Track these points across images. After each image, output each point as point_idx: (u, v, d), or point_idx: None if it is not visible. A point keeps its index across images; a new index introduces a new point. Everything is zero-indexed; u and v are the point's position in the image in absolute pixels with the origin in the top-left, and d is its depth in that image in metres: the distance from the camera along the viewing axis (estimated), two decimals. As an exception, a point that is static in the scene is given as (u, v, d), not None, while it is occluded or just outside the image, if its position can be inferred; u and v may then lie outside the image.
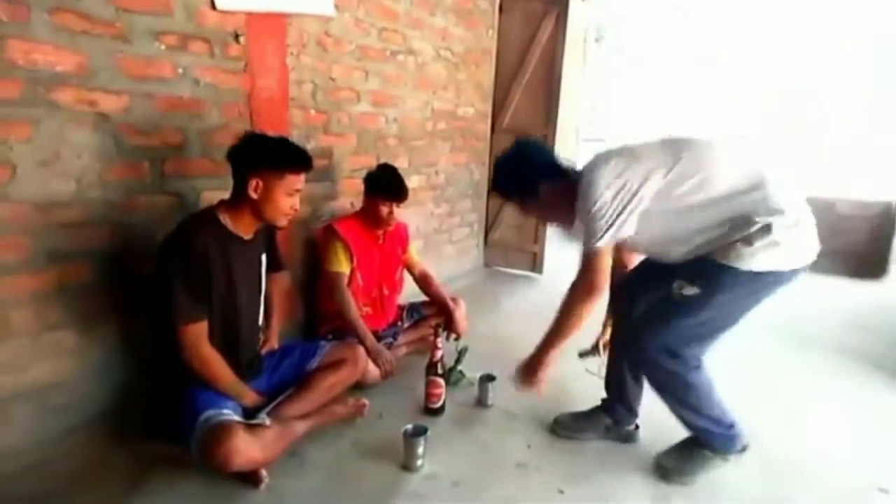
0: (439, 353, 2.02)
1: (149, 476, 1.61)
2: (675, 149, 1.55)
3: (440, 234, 3.63)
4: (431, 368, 2.02)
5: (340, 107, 2.60)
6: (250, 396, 1.72)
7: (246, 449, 1.46)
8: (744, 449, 1.74)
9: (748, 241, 1.42)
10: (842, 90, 6.30)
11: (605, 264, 1.56)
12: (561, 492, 1.64)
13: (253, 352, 1.83)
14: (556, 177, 1.69)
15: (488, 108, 3.92)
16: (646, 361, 1.63)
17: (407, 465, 1.71)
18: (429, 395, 2.04)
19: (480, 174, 3.98)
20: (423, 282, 2.63)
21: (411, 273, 2.63)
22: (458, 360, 2.33)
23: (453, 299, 2.61)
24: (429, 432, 1.72)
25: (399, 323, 2.56)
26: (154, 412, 1.72)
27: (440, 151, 3.45)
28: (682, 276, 1.53)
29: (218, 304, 1.61)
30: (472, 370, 2.27)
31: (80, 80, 1.62)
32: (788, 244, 1.44)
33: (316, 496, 1.58)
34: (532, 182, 1.68)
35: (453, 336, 2.54)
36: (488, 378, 2.14)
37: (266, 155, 1.60)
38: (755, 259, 1.42)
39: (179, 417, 1.56)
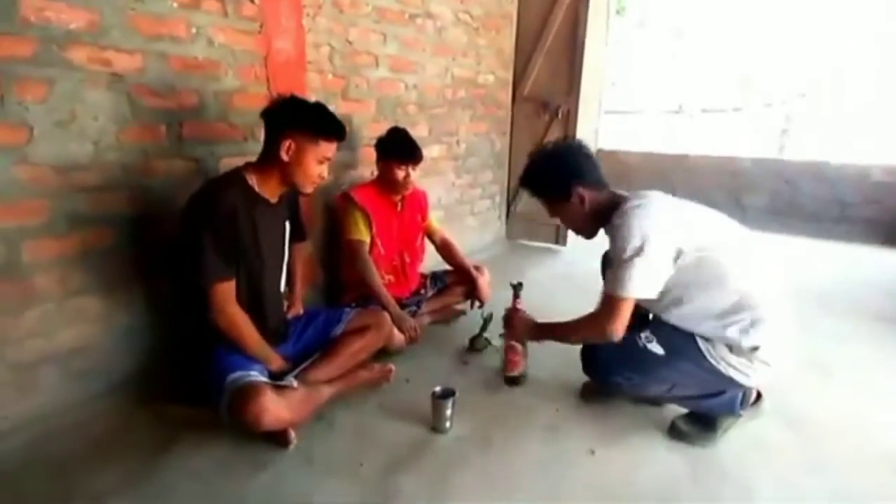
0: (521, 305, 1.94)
1: (176, 439, 1.60)
2: (720, 236, 1.55)
3: (462, 206, 3.56)
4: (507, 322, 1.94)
5: (358, 71, 2.53)
6: (277, 361, 1.70)
7: (274, 408, 1.44)
8: (757, 400, 1.71)
9: (731, 348, 1.50)
10: (858, 57, 6.01)
11: (628, 313, 1.51)
12: (592, 452, 1.60)
13: (279, 317, 1.81)
14: (594, 189, 1.62)
15: (509, 75, 3.80)
16: (609, 385, 1.71)
17: (436, 427, 1.68)
18: (506, 363, 1.96)
19: (502, 144, 3.89)
20: (445, 249, 2.57)
21: (432, 241, 2.58)
22: (483, 327, 2.29)
23: (477, 267, 2.56)
24: (457, 394, 1.69)
25: (423, 291, 2.52)
26: (181, 375, 1.71)
27: (460, 120, 3.37)
28: (653, 330, 1.60)
29: (244, 265, 1.58)
30: (496, 338, 2.21)
31: (92, 38, 1.58)
32: (757, 371, 1.52)
33: (344, 457, 1.55)
34: (567, 185, 1.60)
35: (477, 304, 2.50)
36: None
37: (303, 118, 1.56)
38: (726, 364, 1.51)
39: (207, 379, 1.55)
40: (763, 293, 1.49)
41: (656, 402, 1.80)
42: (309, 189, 1.65)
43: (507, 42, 3.72)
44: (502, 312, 1.95)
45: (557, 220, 1.79)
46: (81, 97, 1.60)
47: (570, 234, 3.79)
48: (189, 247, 1.48)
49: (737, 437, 1.65)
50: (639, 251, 1.42)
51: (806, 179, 4.46)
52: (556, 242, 3.94)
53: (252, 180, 1.59)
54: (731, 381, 1.53)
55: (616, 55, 6.82)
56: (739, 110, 6.26)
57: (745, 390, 1.64)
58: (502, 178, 3.99)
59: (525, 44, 3.77)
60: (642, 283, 1.45)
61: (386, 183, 2.29)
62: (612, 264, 1.52)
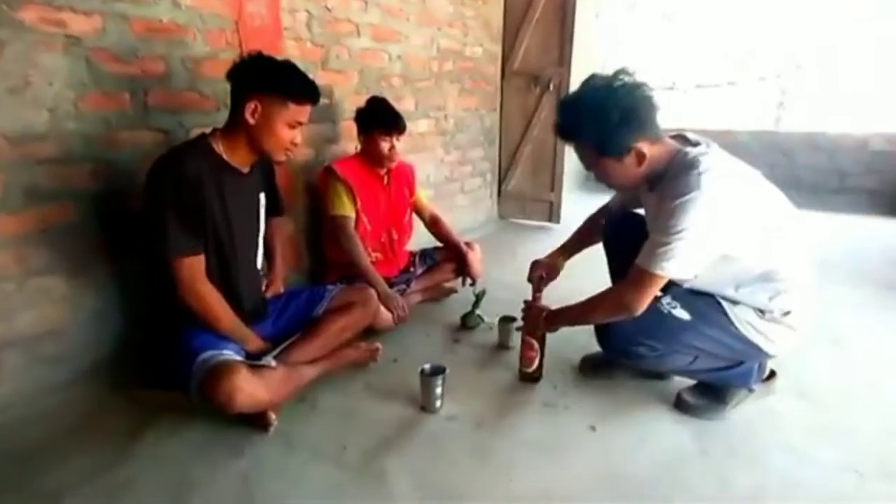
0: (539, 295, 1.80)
1: (148, 426, 1.50)
2: (776, 216, 1.36)
3: (451, 183, 3.45)
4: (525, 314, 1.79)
5: (339, 40, 2.41)
6: (254, 341, 1.59)
7: (250, 388, 1.34)
8: (770, 376, 1.61)
9: (762, 312, 1.39)
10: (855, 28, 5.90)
11: (656, 290, 1.33)
12: (593, 429, 1.51)
13: (255, 295, 1.70)
14: (655, 143, 1.32)
15: (497, 49, 3.67)
16: (630, 356, 1.50)
17: (425, 407, 1.59)
18: (521, 358, 1.75)
19: (492, 121, 3.77)
20: (434, 226, 2.47)
21: (421, 217, 2.48)
22: (475, 304, 2.19)
23: (468, 243, 2.46)
24: (447, 372, 1.59)
25: (411, 269, 2.42)
26: (154, 359, 1.60)
27: (448, 94, 3.24)
28: (674, 295, 1.45)
29: (213, 239, 1.47)
30: (489, 315, 2.13)
31: (45, -2, 1.45)
32: (783, 338, 1.43)
33: (328, 440, 1.46)
34: (627, 142, 1.28)
35: (468, 281, 2.40)
36: (509, 319, 2.00)
37: (271, 77, 1.43)
38: (754, 330, 1.40)
39: (178, 361, 1.44)
40: (795, 259, 1.39)
41: (663, 375, 1.71)
42: (280, 156, 1.52)
43: (495, 13, 3.58)
44: (494, 290, 1.85)
45: (596, 173, 1.42)
46: (35, 61, 1.47)
47: (564, 212, 3.76)
48: (152, 218, 1.37)
49: (745, 408, 1.56)
50: (694, 229, 1.21)
51: (803, 151, 4.38)
52: (550, 220, 3.84)
53: (219, 147, 1.47)
54: (756, 350, 1.43)
55: (606, 36, 6.70)
56: (734, 84, 6.15)
57: (762, 362, 1.55)
58: (493, 156, 3.87)
59: (513, 16, 3.64)
60: (683, 264, 1.25)
61: (370, 156, 2.17)
62: (655, 229, 1.29)
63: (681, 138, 1.40)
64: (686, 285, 1.44)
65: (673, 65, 6.86)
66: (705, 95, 6.30)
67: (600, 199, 1.86)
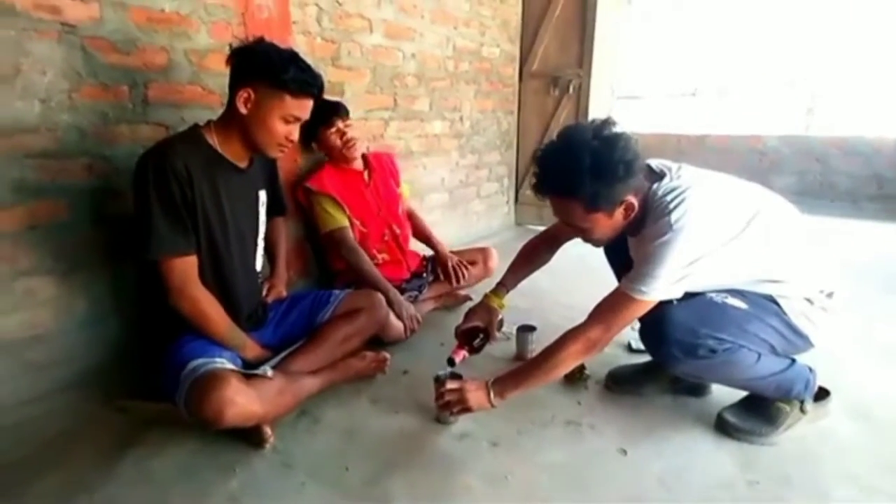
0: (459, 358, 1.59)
1: (137, 440, 1.38)
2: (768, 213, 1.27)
3: (467, 188, 3.33)
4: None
5: (350, 36, 2.31)
6: (252, 348, 1.48)
7: (242, 400, 1.21)
8: (824, 395, 1.44)
9: (810, 301, 1.31)
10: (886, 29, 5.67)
11: (632, 319, 1.25)
12: (623, 452, 1.35)
13: (254, 300, 1.58)
14: (639, 193, 1.24)
15: (515, 49, 3.56)
16: (694, 352, 1.27)
17: (439, 417, 1.46)
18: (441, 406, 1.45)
19: (509, 123, 3.65)
20: (410, 220, 2.35)
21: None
22: (492, 313, 2.04)
23: (482, 250, 2.35)
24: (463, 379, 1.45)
25: (424, 275, 2.29)
26: (143, 368, 1.49)
27: (464, 95, 3.13)
28: (718, 289, 1.32)
29: (206, 238, 1.36)
30: (507, 325, 1.97)
31: (38, -18, 1.37)
32: (825, 322, 1.33)
33: (329, 460, 1.32)
34: (618, 197, 1.20)
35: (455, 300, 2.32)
36: (528, 329, 1.85)
37: (267, 65, 1.30)
38: (805, 318, 1.31)
39: (167, 371, 1.32)
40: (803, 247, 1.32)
41: (699, 392, 1.56)
42: (274, 152, 1.41)
43: (513, 13, 3.48)
44: (511, 298, 1.69)
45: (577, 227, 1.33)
46: (27, 49, 1.39)
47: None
48: (138, 217, 1.26)
49: (797, 431, 1.39)
50: (678, 261, 1.16)
51: (837, 156, 4.15)
52: (570, 228, 3.69)
53: (213, 139, 1.37)
54: (805, 341, 1.33)
55: (623, 42, 6.58)
56: (760, 90, 5.94)
57: (811, 377, 1.38)
58: (510, 160, 3.75)
59: (532, 15, 3.53)
60: (673, 284, 1.18)
61: (334, 156, 2.05)
62: (638, 262, 1.23)
63: (647, 170, 1.30)
64: (727, 286, 1.30)
65: (695, 71, 6.70)
66: (729, 102, 6.10)
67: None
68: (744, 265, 1.26)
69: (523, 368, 1.34)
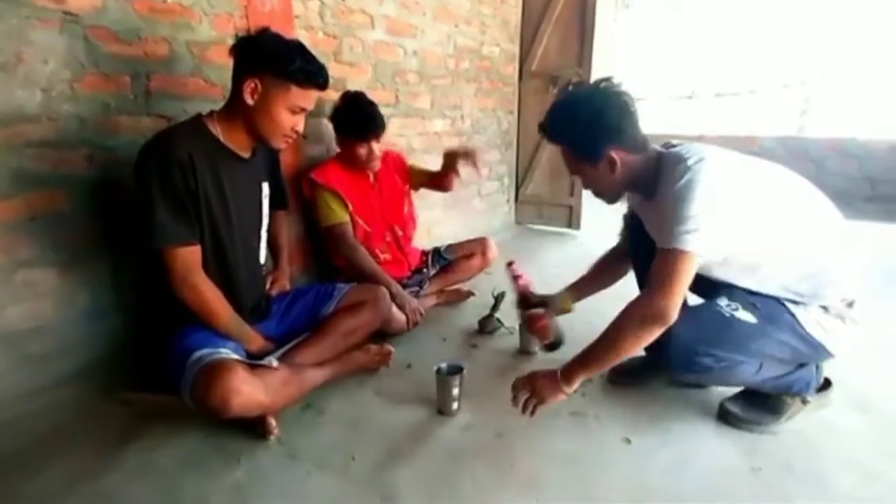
0: (523, 282, 1.71)
1: (141, 431, 1.38)
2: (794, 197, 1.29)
3: (467, 187, 3.33)
4: (521, 303, 1.71)
5: (352, 31, 2.31)
6: (256, 340, 1.47)
7: (248, 390, 1.20)
8: (826, 386, 1.45)
9: (826, 309, 1.28)
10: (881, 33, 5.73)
11: (687, 279, 1.16)
12: (628, 441, 1.35)
13: (257, 292, 1.57)
14: (630, 153, 1.28)
15: (515, 49, 3.58)
16: (692, 369, 1.29)
17: (441, 409, 1.46)
18: (538, 332, 1.62)
19: (509, 123, 3.66)
20: (432, 174, 2.25)
21: (423, 183, 2.28)
22: (494, 308, 2.05)
23: (482, 240, 2.35)
24: (465, 371, 1.46)
25: (424, 270, 2.28)
26: (146, 359, 1.48)
27: (465, 93, 3.14)
28: (730, 297, 1.29)
29: (209, 227, 1.35)
30: (509, 319, 1.98)
31: (40, -31, 1.36)
32: (846, 333, 1.30)
33: (334, 450, 1.32)
34: (598, 148, 1.27)
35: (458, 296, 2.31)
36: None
37: (274, 56, 1.30)
38: (821, 329, 1.27)
39: (170, 361, 1.32)
40: (836, 243, 1.30)
41: (702, 384, 1.56)
42: (279, 143, 1.41)
43: (513, 12, 3.49)
44: (513, 295, 1.70)
45: (576, 177, 1.44)
46: (28, 37, 1.38)
47: (584, 217, 3.62)
48: (141, 206, 1.25)
49: (798, 421, 1.40)
50: (701, 205, 1.14)
51: (831, 157, 4.20)
52: (570, 226, 3.70)
53: (216, 129, 1.36)
54: (822, 351, 1.29)
55: (620, 46, 6.60)
56: (755, 93, 5.99)
57: (819, 365, 1.39)
58: (510, 159, 3.75)
59: (532, 14, 3.55)
60: (705, 239, 1.14)
61: (349, 161, 2.02)
62: (665, 222, 1.19)
63: (667, 146, 1.34)
64: (742, 284, 1.29)
65: (691, 74, 6.74)
66: (725, 104, 6.15)
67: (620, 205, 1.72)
68: (774, 264, 1.25)
69: (588, 352, 1.28)
